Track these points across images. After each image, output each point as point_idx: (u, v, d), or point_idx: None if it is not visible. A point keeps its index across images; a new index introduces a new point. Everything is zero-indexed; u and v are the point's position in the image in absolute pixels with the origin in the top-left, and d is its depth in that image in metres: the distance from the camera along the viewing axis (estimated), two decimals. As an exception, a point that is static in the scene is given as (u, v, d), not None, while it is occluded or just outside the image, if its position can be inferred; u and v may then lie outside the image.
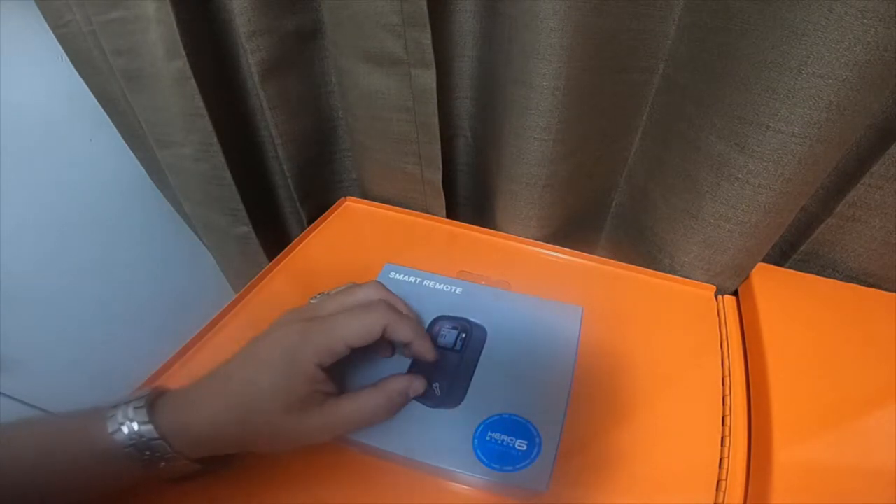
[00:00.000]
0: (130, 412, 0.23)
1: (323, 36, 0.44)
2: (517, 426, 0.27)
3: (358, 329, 0.26)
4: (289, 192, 0.53)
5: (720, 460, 0.29)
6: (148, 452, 0.23)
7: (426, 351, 0.29)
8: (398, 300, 0.30)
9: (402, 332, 0.27)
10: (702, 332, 0.37)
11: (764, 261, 0.39)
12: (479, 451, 0.26)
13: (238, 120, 0.48)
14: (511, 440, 0.26)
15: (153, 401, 0.24)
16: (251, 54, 0.40)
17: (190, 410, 0.24)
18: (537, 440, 0.26)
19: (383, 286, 0.30)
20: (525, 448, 0.26)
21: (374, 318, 0.26)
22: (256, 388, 0.24)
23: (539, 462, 0.25)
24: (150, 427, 0.23)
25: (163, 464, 0.23)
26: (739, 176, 0.33)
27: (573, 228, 0.48)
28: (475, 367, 0.30)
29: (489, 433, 0.26)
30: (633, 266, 0.42)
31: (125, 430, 0.23)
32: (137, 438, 0.23)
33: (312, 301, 0.31)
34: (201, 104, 0.42)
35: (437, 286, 0.35)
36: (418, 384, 0.28)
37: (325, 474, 0.28)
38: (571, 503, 0.27)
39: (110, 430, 0.23)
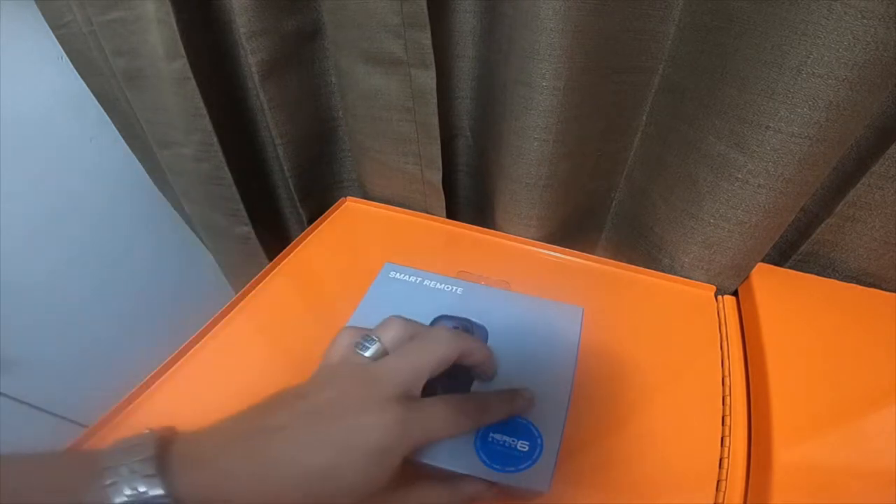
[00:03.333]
0: (134, 466, 0.18)
1: (323, 36, 0.44)
2: (519, 427, 0.27)
3: (451, 429, 0.23)
4: (289, 192, 0.53)
5: (720, 460, 0.29)
6: None
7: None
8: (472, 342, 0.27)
9: (477, 353, 0.26)
10: (702, 332, 0.37)
11: (764, 261, 0.39)
12: (481, 452, 0.25)
13: (238, 120, 0.48)
14: (513, 441, 0.26)
15: (162, 453, 0.19)
16: (251, 54, 0.40)
17: (225, 483, 0.19)
18: (539, 441, 0.26)
19: (460, 336, 0.26)
20: (527, 449, 0.26)
21: (465, 417, 0.24)
22: (336, 481, 0.20)
23: (541, 462, 0.25)
24: (160, 493, 0.18)
25: None
26: (739, 176, 0.33)
27: (573, 228, 0.48)
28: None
29: (491, 434, 0.26)
30: (633, 266, 0.42)
31: (126, 491, 0.18)
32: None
33: (363, 351, 0.25)
34: (201, 104, 0.42)
35: (438, 286, 0.35)
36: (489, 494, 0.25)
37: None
38: (574, 503, 0.27)
39: (113, 497, 0.18)
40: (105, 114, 0.56)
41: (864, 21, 0.24)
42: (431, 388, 0.24)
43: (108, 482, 0.18)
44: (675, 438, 0.30)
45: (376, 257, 0.39)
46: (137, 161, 0.62)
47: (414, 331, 0.26)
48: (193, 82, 0.41)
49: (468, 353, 0.25)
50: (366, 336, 0.25)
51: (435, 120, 0.41)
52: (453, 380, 0.27)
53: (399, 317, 0.26)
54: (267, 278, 0.41)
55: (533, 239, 0.45)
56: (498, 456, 0.25)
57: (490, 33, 0.39)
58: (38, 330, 0.61)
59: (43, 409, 0.63)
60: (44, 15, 0.48)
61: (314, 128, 0.49)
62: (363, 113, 0.44)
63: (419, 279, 0.36)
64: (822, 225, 0.36)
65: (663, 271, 0.41)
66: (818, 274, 0.39)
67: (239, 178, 0.49)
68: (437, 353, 0.24)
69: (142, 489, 0.18)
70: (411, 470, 0.23)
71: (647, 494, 0.28)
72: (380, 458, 0.20)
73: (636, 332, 0.36)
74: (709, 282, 0.40)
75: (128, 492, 0.18)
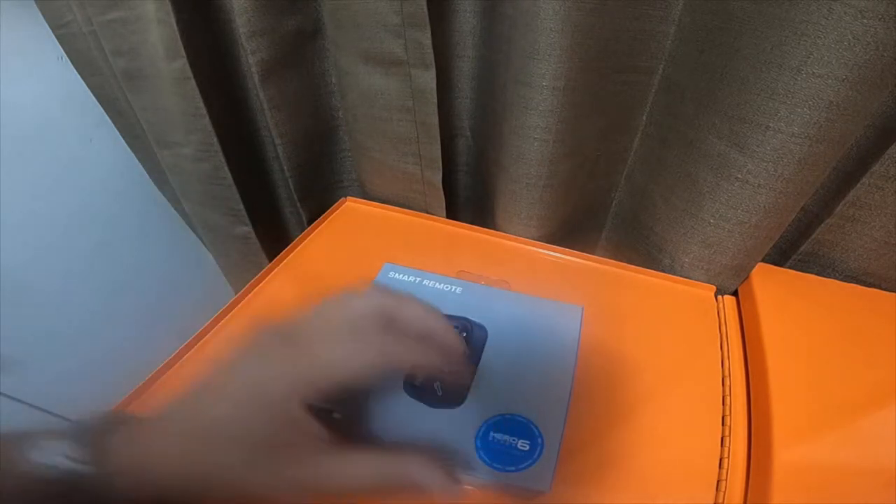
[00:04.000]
0: (66, 438, 0.19)
1: (323, 36, 0.44)
2: (519, 426, 0.27)
3: (352, 366, 0.21)
4: (289, 192, 0.53)
5: (720, 460, 0.29)
6: (73, 489, 0.18)
7: (462, 376, 0.25)
8: (411, 306, 0.24)
9: (419, 364, 0.23)
10: (702, 332, 0.37)
11: (764, 261, 0.39)
12: (481, 452, 0.26)
13: (238, 120, 0.48)
14: (513, 440, 0.26)
15: (104, 428, 0.20)
16: (251, 54, 0.40)
17: (142, 447, 0.20)
18: (539, 440, 0.26)
19: (386, 292, 0.24)
20: (527, 448, 0.26)
21: (371, 352, 0.21)
22: (224, 430, 0.20)
23: (542, 462, 0.25)
24: (84, 454, 0.18)
25: None
26: (739, 176, 0.33)
27: (573, 228, 0.48)
28: (476, 366, 0.30)
29: (492, 433, 0.26)
30: (633, 266, 0.42)
31: (54, 455, 0.18)
32: (64, 469, 0.18)
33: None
34: (201, 104, 0.42)
35: (437, 286, 0.35)
36: (440, 478, 0.20)
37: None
38: (574, 502, 0.27)
39: (36, 456, 0.18)
40: (105, 114, 0.56)
41: (864, 21, 0.24)
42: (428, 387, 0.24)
43: (40, 445, 0.19)
44: (675, 438, 0.30)
45: (376, 257, 0.39)
46: (137, 161, 0.62)
47: (392, 315, 0.23)
48: (193, 82, 0.41)
49: (402, 362, 0.23)
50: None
51: (435, 120, 0.41)
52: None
53: (414, 301, 0.24)
54: (267, 278, 0.41)
55: (533, 239, 0.45)
56: (498, 455, 0.25)
57: (490, 33, 0.39)
58: (37, 330, 0.61)
59: (43, 409, 0.63)
60: (44, 15, 0.48)
61: (314, 128, 0.49)
62: (363, 113, 0.44)
63: (418, 279, 0.36)
64: (822, 225, 0.36)
65: (663, 271, 0.41)
66: (818, 274, 0.39)
67: (239, 178, 0.49)
68: (349, 369, 0.21)
69: (69, 455, 0.18)
70: (343, 437, 0.21)
71: (647, 494, 0.28)
72: (264, 397, 0.20)
73: (636, 332, 0.36)
74: (709, 282, 0.40)
75: (55, 457, 0.18)
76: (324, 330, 0.22)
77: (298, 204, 0.53)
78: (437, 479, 0.20)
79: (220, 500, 0.20)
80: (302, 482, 0.20)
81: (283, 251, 0.44)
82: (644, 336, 0.36)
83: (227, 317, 0.38)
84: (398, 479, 0.20)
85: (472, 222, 0.47)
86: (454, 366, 0.24)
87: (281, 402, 0.20)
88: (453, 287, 0.35)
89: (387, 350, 0.22)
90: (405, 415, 0.27)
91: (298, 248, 0.45)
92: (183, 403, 0.21)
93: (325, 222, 0.48)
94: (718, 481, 0.28)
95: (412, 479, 0.20)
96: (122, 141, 0.59)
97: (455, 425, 0.27)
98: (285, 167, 0.49)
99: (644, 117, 0.41)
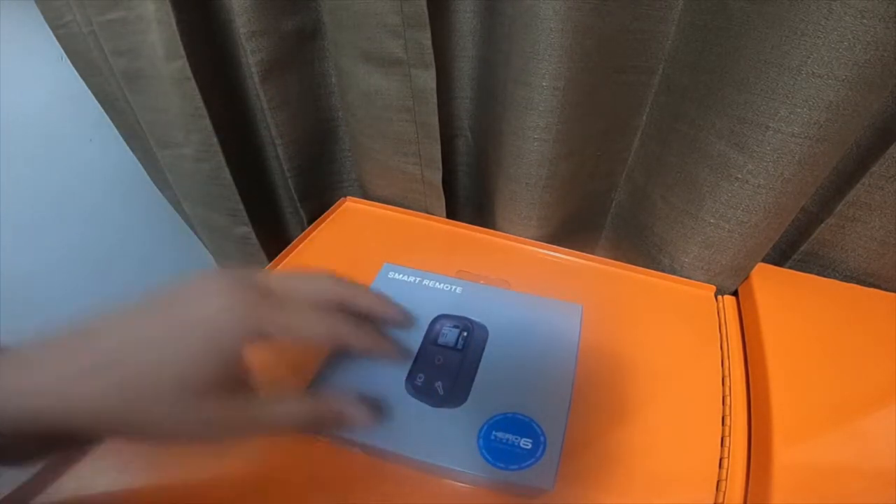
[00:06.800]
0: None
1: (323, 36, 0.44)
2: (522, 425, 0.27)
3: (303, 332, 0.23)
4: (289, 192, 0.53)
5: (720, 460, 0.29)
6: None
7: (390, 354, 0.28)
8: (360, 294, 0.27)
9: (358, 346, 0.26)
10: (702, 332, 0.37)
11: (764, 261, 0.39)
12: (484, 451, 0.26)
13: (238, 120, 0.48)
14: (516, 439, 0.26)
15: None
16: (251, 54, 0.40)
17: (32, 370, 0.18)
18: (542, 438, 0.26)
19: (341, 282, 0.27)
20: (530, 447, 0.26)
21: (322, 327, 0.24)
22: (164, 354, 0.18)
23: (544, 460, 0.25)
24: None
25: None
26: (739, 176, 0.33)
27: (573, 228, 0.48)
28: (477, 365, 0.30)
29: (494, 432, 0.26)
30: (633, 266, 0.42)
31: None
32: None
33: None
34: (201, 104, 0.42)
35: (437, 286, 0.35)
36: (361, 416, 0.24)
37: (327, 475, 0.28)
38: (577, 502, 0.27)
39: None
40: (105, 114, 0.56)
41: (864, 21, 0.24)
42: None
43: None
44: (676, 438, 0.30)
45: (376, 257, 0.39)
46: (137, 161, 0.62)
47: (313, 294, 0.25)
48: (193, 82, 0.41)
49: (346, 342, 0.25)
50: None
51: (435, 120, 0.41)
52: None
53: (330, 278, 0.26)
54: (267, 278, 0.41)
55: (533, 239, 0.45)
56: (501, 454, 0.25)
57: (490, 33, 0.39)
58: (37, 330, 0.61)
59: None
60: (44, 15, 0.48)
61: (314, 128, 0.49)
62: (363, 113, 0.44)
63: (418, 279, 0.36)
64: (822, 225, 0.37)
65: (663, 271, 0.41)
66: (818, 274, 0.39)
67: (239, 178, 0.49)
68: (305, 332, 0.23)
69: None
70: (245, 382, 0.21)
71: (648, 494, 0.28)
72: (220, 324, 0.19)
73: (636, 333, 0.36)
74: (709, 282, 0.40)
75: None
76: (288, 293, 0.24)
77: (298, 204, 0.53)
78: (362, 413, 0.24)
79: (138, 434, 0.19)
80: (234, 419, 0.20)
81: (283, 251, 0.44)
82: (644, 336, 0.36)
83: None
84: (328, 415, 0.23)
85: (472, 222, 0.47)
86: (387, 355, 0.28)
87: (228, 333, 0.20)
88: (453, 287, 0.35)
89: (335, 331, 0.24)
90: (407, 415, 0.27)
91: (298, 248, 0.45)
92: (97, 323, 0.20)
93: (325, 222, 0.48)
94: (718, 481, 0.28)
95: (340, 414, 0.23)
96: (122, 141, 0.59)
97: (457, 425, 0.27)
98: (285, 167, 0.49)
99: (644, 117, 0.41)
